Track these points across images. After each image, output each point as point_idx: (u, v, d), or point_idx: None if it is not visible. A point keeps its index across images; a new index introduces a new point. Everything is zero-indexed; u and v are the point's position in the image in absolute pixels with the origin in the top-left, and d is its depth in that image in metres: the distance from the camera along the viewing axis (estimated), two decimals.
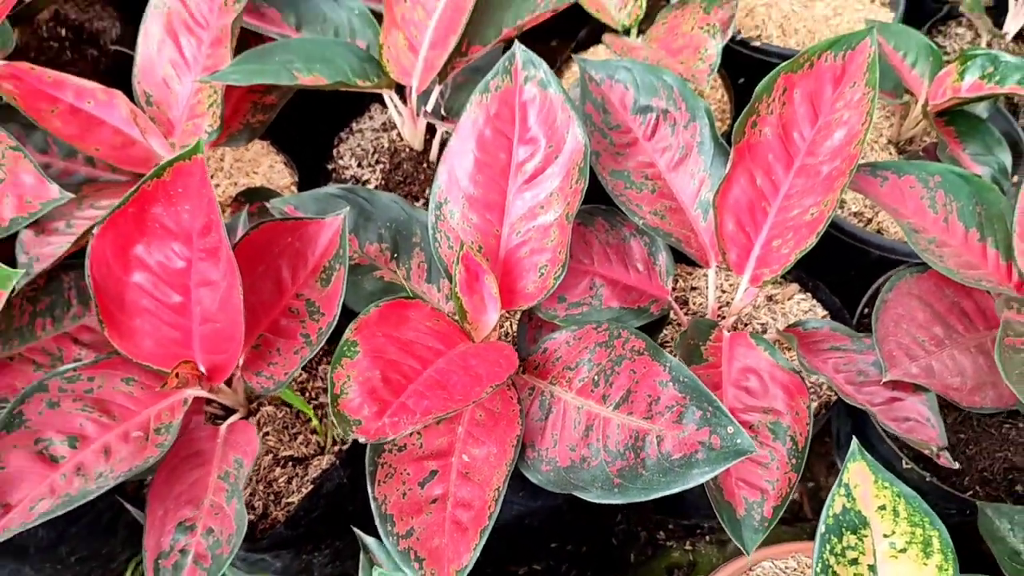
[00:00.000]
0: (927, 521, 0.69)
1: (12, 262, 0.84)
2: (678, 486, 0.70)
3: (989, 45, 1.31)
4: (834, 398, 0.95)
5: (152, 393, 0.80)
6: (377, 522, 0.74)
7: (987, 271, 0.88)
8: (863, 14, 1.32)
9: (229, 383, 0.85)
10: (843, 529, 0.70)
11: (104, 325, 0.76)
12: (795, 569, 0.92)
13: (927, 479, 0.91)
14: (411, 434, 0.79)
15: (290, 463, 0.89)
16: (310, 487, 0.87)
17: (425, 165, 1.07)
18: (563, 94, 0.83)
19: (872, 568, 0.71)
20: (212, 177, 1.08)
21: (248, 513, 0.85)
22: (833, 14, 1.30)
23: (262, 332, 0.83)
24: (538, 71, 0.84)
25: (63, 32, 1.17)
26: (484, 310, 0.83)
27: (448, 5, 0.96)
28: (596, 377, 0.78)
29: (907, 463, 0.92)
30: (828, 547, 0.70)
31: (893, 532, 0.70)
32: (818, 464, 1.18)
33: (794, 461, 0.76)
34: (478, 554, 0.73)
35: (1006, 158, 1.04)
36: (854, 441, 0.70)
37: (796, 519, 1.15)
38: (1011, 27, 1.30)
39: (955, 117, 1.08)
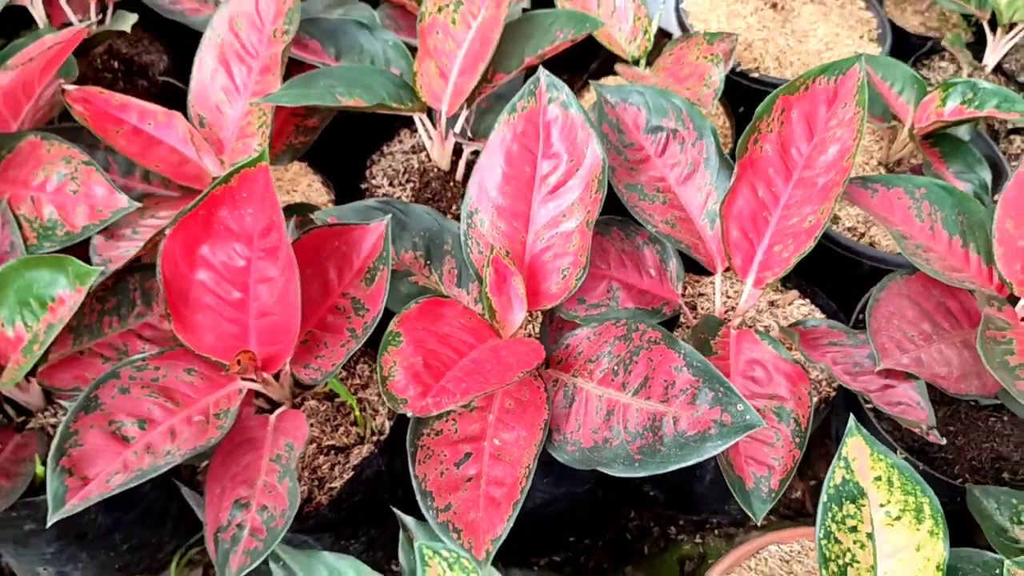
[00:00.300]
0: (918, 489, 0.77)
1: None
2: (693, 459, 0.77)
3: (970, 76, 1.41)
4: (832, 393, 1.03)
5: (211, 383, 0.87)
6: (418, 497, 0.81)
7: (970, 274, 0.96)
8: (852, 48, 1.42)
9: (277, 377, 0.93)
10: (843, 499, 0.78)
11: (171, 319, 0.84)
12: (799, 551, 0.98)
13: (920, 468, 0.98)
14: (446, 420, 0.86)
15: (332, 451, 0.96)
16: (351, 473, 0.95)
17: (452, 184, 1.16)
18: (583, 114, 0.92)
19: (870, 536, 0.78)
20: None
21: None
22: (825, 48, 1.40)
23: (310, 329, 0.90)
24: (560, 93, 0.93)
25: (116, 64, 1.27)
26: (511, 309, 0.91)
27: (476, 37, 1.06)
28: (616, 367, 0.86)
29: (902, 453, 0.99)
30: (830, 515, 0.77)
31: (888, 501, 0.77)
32: (819, 463, 1.25)
33: (797, 440, 0.84)
34: (511, 524, 0.80)
35: (986, 176, 1.13)
36: (851, 418, 0.78)
37: (799, 515, 1.21)
38: (990, 60, 1.40)
39: (939, 139, 1.18)
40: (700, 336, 0.91)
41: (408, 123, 1.25)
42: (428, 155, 1.18)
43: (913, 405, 0.87)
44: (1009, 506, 0.91)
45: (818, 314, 1.09)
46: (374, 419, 0.99)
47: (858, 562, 0.77)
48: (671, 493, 1.17)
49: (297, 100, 0.97)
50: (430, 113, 1.10)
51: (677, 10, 1.48)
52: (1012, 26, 1.34)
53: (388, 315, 0.87)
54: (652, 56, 1.23)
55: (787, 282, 1.11)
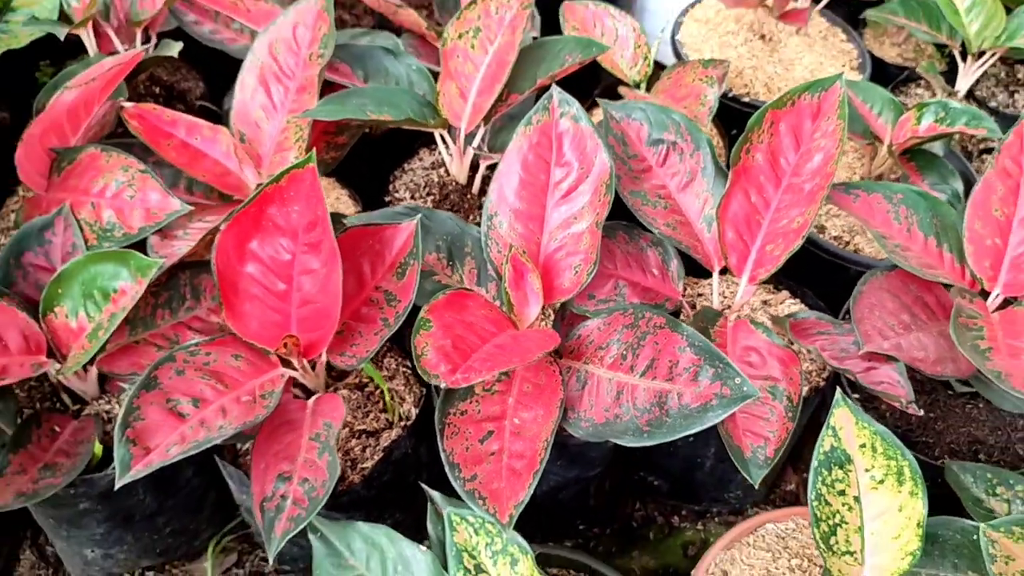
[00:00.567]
0: (899, 454, 0.85)
1: None
2: (696, 427, 0.86)
3: None
4: (822, 384, 1.12)
5: (256, 368, 0.96)
6: (447, 468, 0.89)
7: (944, 270, 1.06)
8: None
9: (314, 366, 1.01)
10: (832, 464, 0.86)
11: (223, 307, 0.93)
12: (794, 529, 1.06)
13: None
14: (470, 402, 0.95)
15: (363, 435, 1.05)
16: (381, 455, 1.03)
17: (469, 196, 1.26)
18: (592, 126, 1.02)
19: (857, 499, 0.86)
20: None
21: None
22: (810, 75, 1.52)
23: (345, 320, 0.99)
24: (571, 108, 1.03)
25: (157, 90, 1.38)
26: (528, 302, 1.01)
27: (493, 61, 1.16)
28: (624, 352, 0.95)
29: None
30: (820, 479, 0.86)
31: (872, 466, 0.86)
32: (811, 456, 1.33)
33: (790, 414, 0.93)
34: (532, 491, 0.88)
35: (959, 186, 1.24)
36: (838, 390, 0.87)
37: (795, 505, 1.29)
38: (962, 86, 1.52)
39: (915, 155, 1.29)
40: (700, 325, 1.00)
41: (427, 142, 1.35)
42: (447, 170, 1.28)
43: (894, 384, 0.96)
44: (984, 480, 0.99)
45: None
46: (401, 406, 1.08)
47: (847, 523, 0.85)
48: (674, 484, 1.25)
49: (332, 115, 1.07)
50: (450, 130, 1.20)
51: (673, 41, 1.60)
52: (981, 54, 1.46)
53: (415, 311, 0.95)
54: (651, 81, 1.34)
55: (779, 284, 1.21)
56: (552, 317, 1.12)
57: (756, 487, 0.90)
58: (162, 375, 0.91)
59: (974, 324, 0.98)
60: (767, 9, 1.59)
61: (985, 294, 1.05)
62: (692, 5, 1.68)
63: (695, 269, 1.13)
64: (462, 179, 1.27)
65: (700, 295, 1.19)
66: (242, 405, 0.92)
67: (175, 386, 0.91)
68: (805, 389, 1.11)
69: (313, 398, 0.99)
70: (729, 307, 1.14)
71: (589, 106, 1.49)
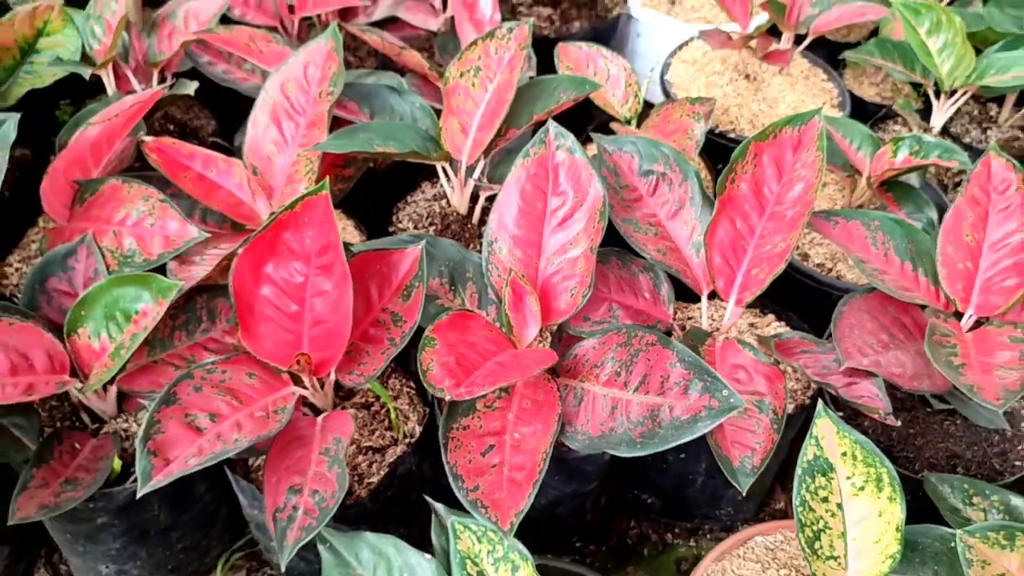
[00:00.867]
0: (878, 461, 0.90)
1: None
2: (687, 437, 0.91)
3: None
4: (807, 402, 1.17)
5: (268, 386, 1.01)
6: (450, 480, 0.94)
7: (920, 293, 1.12)
8: None
9: (323, 385, 1.07)
10: (815, 472, 0.91)
11: (239, 327, 0.98)
12: (782, 541, 1.11)
13: None
14: (472, 417, 1.00)
15: (370, 451, 1.09)
16: (386, 470, 1.08)
17: (469, 226, 1.32)
18: (586, 157, 1.09)
19: (840, 506, 0.91)
20: None
21: None
22: (793, 112, 1.59)
23: (354, 341, 1.04)
24: (566, 140, 1.10)
25: (171, 127, 1.45)
26: (527, 324, 1.06)
27: (492, 98, 1.23)
28: (618, 370, 1.00)
29: None
30: (804, 486, 0.91)
31: (853, 474, 0.91)
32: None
33: (775, 426, 0.98)
34: (532, 500, 0.93)
35: (934, 215, 1.31)
36: (819, 402, 0.92)
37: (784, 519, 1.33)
38: (936, 122, 1.60)
39: (892, 186, 1.35)
40: (690, 344, 1.06)
41: (429, 176, 1.42)
42: (448, 201, 1.35)
43: (873, 397, 1.02)
44: (961, 490, 1.04)
45: None
46: (406, 424, 1.13)
47: (830, 528, 0.90)
48: (667, 501, 1.30)
49: (342, 148, 1.14)
50: (452, 163, 1.27)
51: (663, 81, 1.68)
52: (953, 92, 1.54)
53: (418, 333, 1.01)
54: (642, 118, 1.42)
55: (765, 309, 1.27)
56: (549, 339, 1.17)
57: (743, 494, 0.94)
58: (181, 391, 0.96)
59: (948, 342, 1.04)
60: (751, 50, 1.67)
61: (959, 315, 1.11)
62: (680, 47, 1.77)
63: (685, 294, 1.19)
64: (463, 210, 1.33)
65: (690, 318, 1.25)
66: (256, 420, 0.97)
67: (193, 402, 0.96)
68: (791, 407, 1.17)
69: (323, 415, 1.04)
70: (718, 329, 1.19)
71: (583, 141, 1.57)
